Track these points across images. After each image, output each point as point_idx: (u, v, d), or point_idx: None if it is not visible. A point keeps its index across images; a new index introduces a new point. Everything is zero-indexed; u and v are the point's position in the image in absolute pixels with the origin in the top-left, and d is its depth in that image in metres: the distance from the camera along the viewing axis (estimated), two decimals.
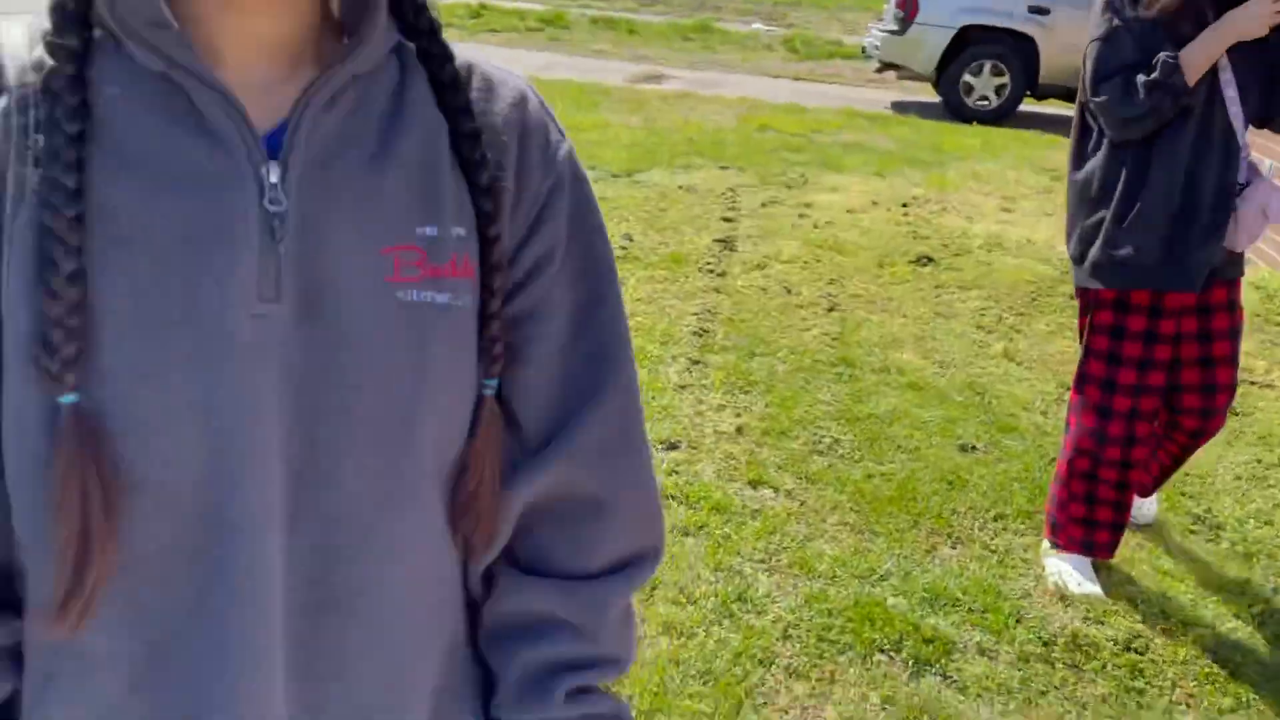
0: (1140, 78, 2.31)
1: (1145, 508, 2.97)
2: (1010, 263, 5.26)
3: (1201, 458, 3.42)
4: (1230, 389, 2.61)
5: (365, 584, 0.70)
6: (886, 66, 10.64)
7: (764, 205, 6.00)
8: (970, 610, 2.56)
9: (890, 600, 2.57)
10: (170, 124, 0.64)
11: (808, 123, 8.68)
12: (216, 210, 0.63)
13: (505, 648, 0.81)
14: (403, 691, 0.75)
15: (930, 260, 5.21)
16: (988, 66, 9.89)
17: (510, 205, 0.73)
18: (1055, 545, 2.71)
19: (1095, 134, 2.48)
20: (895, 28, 10.08)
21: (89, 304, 0.61)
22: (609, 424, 0.78)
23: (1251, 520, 3.08)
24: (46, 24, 0.63)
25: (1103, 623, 2.55)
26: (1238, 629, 2.58)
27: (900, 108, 10.48)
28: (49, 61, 0.62)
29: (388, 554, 0.71)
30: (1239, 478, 3.33)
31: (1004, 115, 9.75)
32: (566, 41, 13.52)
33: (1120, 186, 2.41)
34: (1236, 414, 3.82)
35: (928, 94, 10.79)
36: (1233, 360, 2.60)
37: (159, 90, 0.64)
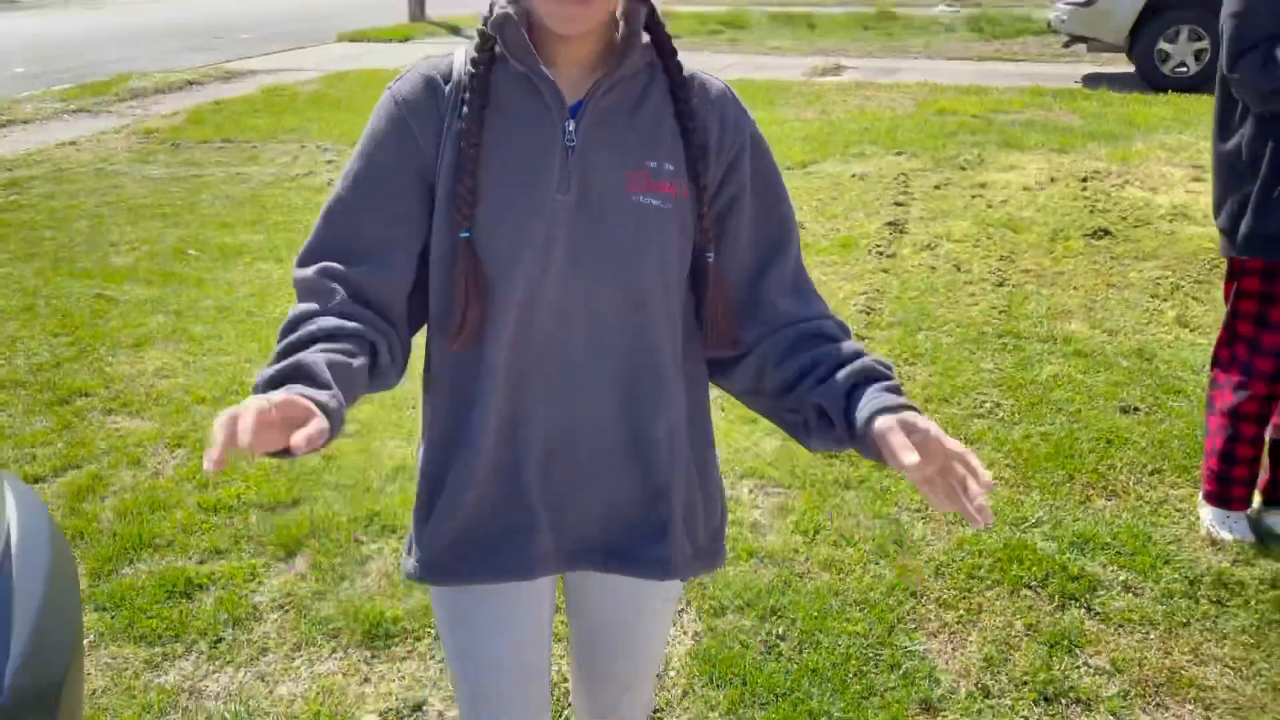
0: (1277, 51, 2.39)
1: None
2: (1195, 231, 5.20)
3: None
4: None
5: (614, 359, 1.25)
6: (1075, 40, 10.36)
7: (937, 187, 6.13)
8: (1119, 553, 2.73)
9: (1040, 544, 2.78)
10: (525, 97, 1.22)
11: (988, 104, 8.64)
12: (542, 140, 1.21)
13: (821, 373, 1.22)
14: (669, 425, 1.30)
15: (1107, 233, 5.23)
16: (1185, 31, 9.50)
17: (713, 155, 1.26)
18: (1204, 494, 2.83)
19: (1240, 105, 2.54)
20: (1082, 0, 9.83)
21: (478, 185, 1.19)
22: (788, 272, 1.31)
23: None
24: (473, 49, 1.23)
25: (1252, 564, 2.67)
26: None
27: (1092, 81, 10.19)
28: (471, 70, 1.21)
29: (627, 337, 1.25)
30: None
31: (1206, 81, 9.32)
32: (746, 41, 13.81)
33: (1268, 158, 2.48)
34: None
35: (1123, 65, 10.44)
36: None
37: (521, 80, 1.22)
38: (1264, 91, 2.42)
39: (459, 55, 1.26)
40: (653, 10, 1.24)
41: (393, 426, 3.40)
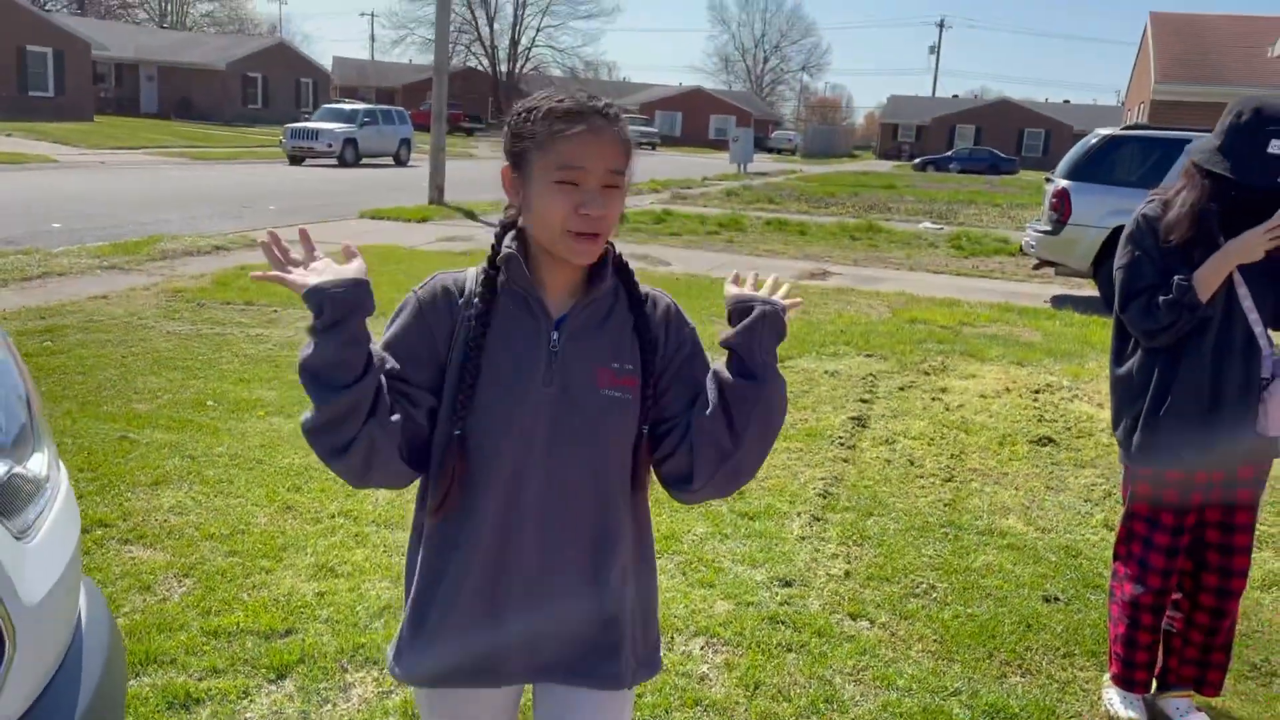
0: (1160, 298, 2.75)
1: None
2: None
3: (1274, 619, 3.76)
4: (1246, 553, 2.97)
5: (581, 516, 1.63)
6: (1043, 263, 11.19)
7: (901, 389, 6.65)
8: None
9: (956, 711, 3.08)
10: (519, 312, 1.61)
11: (958, 315, 9.31)
12: (532, 346, 1.60)
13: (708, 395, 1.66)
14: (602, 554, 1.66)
15: (1051, 441, 5.70)
16: (1120, 256, 10.27)
17: (660, 353, 1.67)
18: (1110, 676, 3.16)
19: (1132, 338, 2.96)
20: (1050, 228, 10.70)
21: (476, 390, 1.58)
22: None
23: None
24: (481, 275, 1.63)
25: None
26: None
27: (1060, 301, 10.94)
28: (480, 290, 1.61)
29: (591, 498, 1.63)
30: None
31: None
32: (740, 242, 14.74)
33: (1155, 382, 2.89)
34: None
35: (1091, 287, 11.21)
36: (1250, 529, 2.97)
37: (518, 301, 1.62)
38: (1149, 330, 2.82)
39: (471, 273, 1.67)
40: (616, 251, 1.69)
41: (382, 570, 3.74)
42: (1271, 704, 3.22)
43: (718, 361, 1.68)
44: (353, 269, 1.54)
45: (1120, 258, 2.92)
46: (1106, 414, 6.26)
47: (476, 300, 1.61)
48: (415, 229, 14.26)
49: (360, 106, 30.30)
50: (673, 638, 3.40)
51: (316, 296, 1.48)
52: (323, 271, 1.52)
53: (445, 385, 1.60)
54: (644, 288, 1.70)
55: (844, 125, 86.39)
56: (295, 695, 2.98)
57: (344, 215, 15.39)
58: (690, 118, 73.22)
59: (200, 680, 3.03)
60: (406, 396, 1.57)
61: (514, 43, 71.09)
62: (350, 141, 28.03)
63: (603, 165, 1.53)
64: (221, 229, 13.04)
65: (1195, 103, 20.32)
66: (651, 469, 1.70)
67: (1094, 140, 10.92)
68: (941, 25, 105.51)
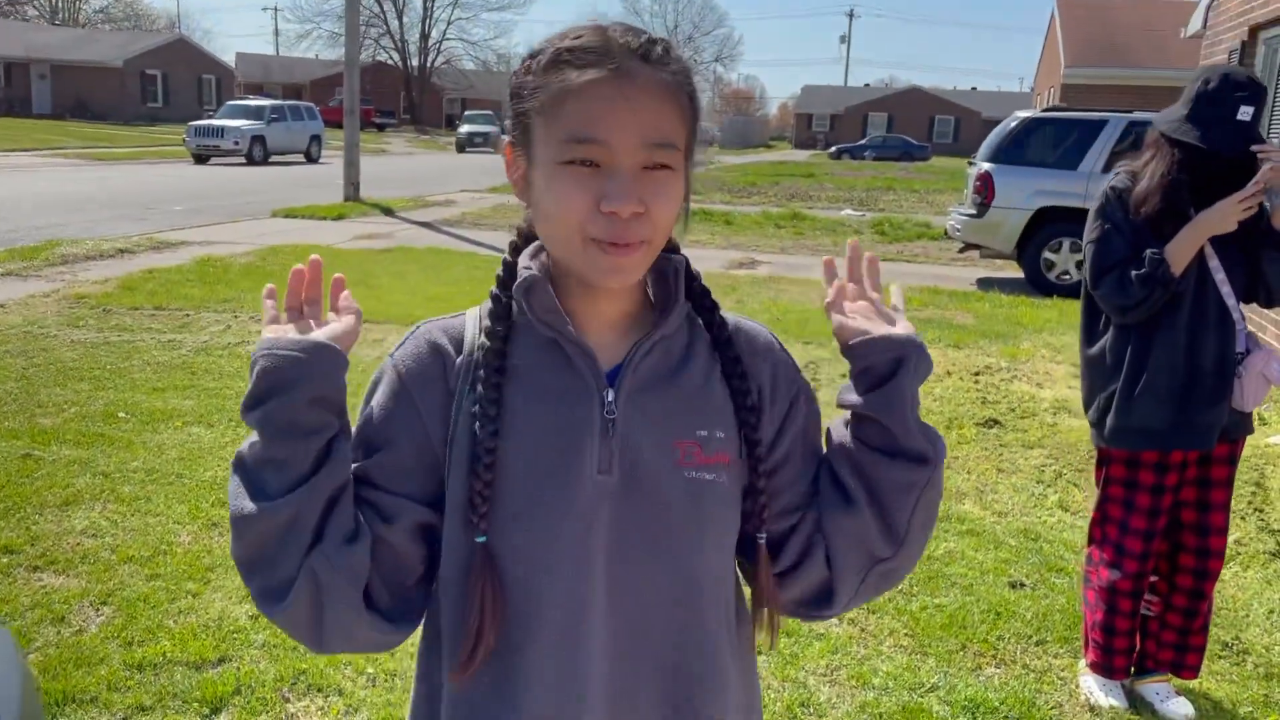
0: (1133, 272, 2.69)
1: (1175, 705, 3.01)
2: (1075, 424, 5.66)
3: (1239, 595, 3.74)
4: (1223, 532, 2.92)
5: (662, 659, 1.09)
6: (969, 246, 11.29)
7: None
8: (1006, 718, 2.94)
9: (936, 708, 2.97)
10: (553, 366, 1.07)
11: (890, 300, 9.28)
12: (578, 416, 1.06)
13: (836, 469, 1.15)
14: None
15: (997, 423, 5.66)
16: (1066, 243, 10.45)
17: (766, 415, 1.13)
18: (1088, 664, 3.08)
19: (1103, 315, 2.88)
20: (974, 211, 10.78)
21: (496, 479, 1.03)
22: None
23: (1277, 648, 3.38)
24: (486, 315, 1.10)
25: None
26: None
27: (984, 284, 11.03)
28: (487, 342, 1.07)
29: (672, 638, 1.09)
30: (1272, 612, 3.63)
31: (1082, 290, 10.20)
32: None
33: (1128, 360, 2.81)
34: None
35: (1013, 270, 11.34)
36: (1226, 507, 2.92)
37: (547, 347, 1.08)
38: (1121, 307, 2.75)
39: (470, 319, 1.13)
40: (687, 262, 1.14)
41: None
42: (1246, 682, 3.18)
43: (832, 423, 1.18)
44: (324, 331, 1.06)
45: (1090, 233, 2.84)
46: (1047, 393, 6.26)
47: (481, 352, 1.08)
48: (331, 227, 13.83)
49: (268, 103, 29.38)
50: None
51: (254, 358, 1.04)
52: (286, 327, 1.07)
53: (449, 484, 1.08)
54: (730, 316, 1.17)
55: (759, 116, 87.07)
56: None
57: (255, 214, 14.85)
58: None
59: (126, 719, 2.76)
60: (378, 511, 1.07)
61: (424, 36, 69.88)
62: (258, 139, 27.17)
63: (635, 135, 0.99)
64: (125, 231, 12.44)
65: (1105, 86, 20.86)
66: (764, 588, 1.15)
67: (1013, 123, 11.03)
68: (851, 15, 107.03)
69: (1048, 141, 10.79)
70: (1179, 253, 2.68)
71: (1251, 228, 2.72)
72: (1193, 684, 3.12)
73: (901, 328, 1.14)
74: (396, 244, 12.12)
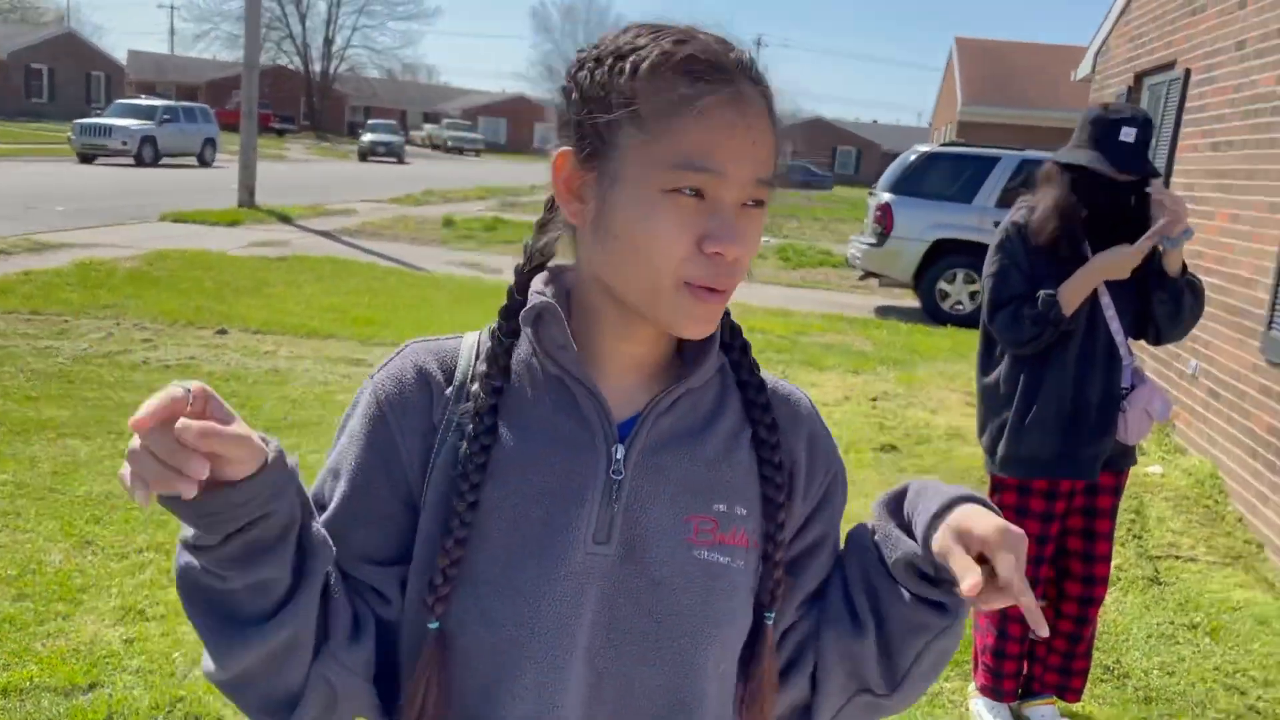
0: (1026, 310, 2.76)
1: None
2: (968, 451, 5.81)
3: (1119, 619, 3.86)
4: (1107, 560, 3.01)
5: None
6: (868, 274, 11.55)
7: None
8: None
9: None
10: (556, 409, 0.92)
11: (793, 326, 9.43)
12: (575, 471, 0.90)
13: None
14: None
15: (893, 448, 5.77)
16: (960, 274, 10.78)
17: (800, 493, 0.98)
18: (977, 687, 3.13)
19: (998, 346, 2.95)
20: (874, 240, 11.03)
21: (471, 535, 0.87)
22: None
23: (1155, 671, 3.50)
24: (487, 339, 0.96)
25: None
26: None
27: (883, 311, 11.29)
28: (487, 368, 0.92)
29: None
30: (1150, 636, 3.75)
31: (979, 317, 10.54)
32: None
33: (1019, 392, 2.88)
34: (1160, 583, 4.27)
35: (910, 299, 11.64)
36: (1110, 536, 3.00)
37: (552, 386, 0.92)
38: (1015, 341, 2.82)
39: (467, 345, 0.98)
40: (726, 312, 0.97)
41: None
42: (1127, 705, 3.27)
43: (854, 530, 1.04)
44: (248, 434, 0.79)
45: (989, 266, 2.91)
46: (941, 420, 6.42)
47: (477, 385, 0.93)
48: (225, 233, 13.38)
49: (160, 103, 28.36)
50: None
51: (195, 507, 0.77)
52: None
53: (418, 536, 0.93)
54: (766, 376, 1.01)
55: None
56: None
57: (143, 217, 14.28)
58: (515, 125, 72.72)
59: None
60: (375, 589, 0.94)
61: (328, 41, 68.58)
62: (149, 139, 26.18)
63: (750, 168, 0.86)
64: (0, 232, 11.83)
65: (999, 124, 21.70)
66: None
67: (913, 156, 11.34)
68: (759, 43, 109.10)
69: (945, 175, 11.12)
70: (1071, 295, 2.75)
71: (1144, 269, 2.80)
72: (1076, 706, 3.20)
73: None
74: (293, 252, 11.79)
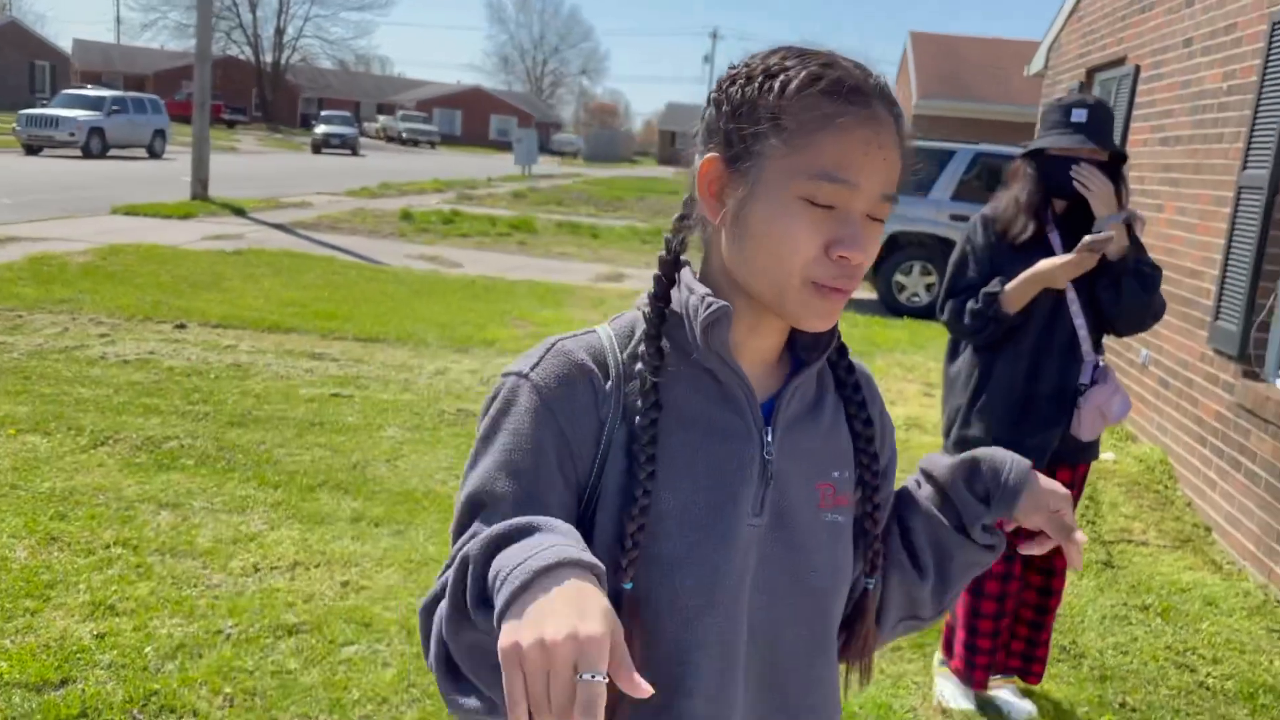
0: (970, 303, 2.81)
1: (1020, 706, 3.15)
2: (926, 440, 5.92)
3: (1075, 602, 3.98)
4: (1043, 572, 3.07)
5: (796, 701, 1.06)
6: None
7: None
8: None
9: None
10: (709, 399, 1.01)
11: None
12: (736, 455, 1.01)
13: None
14: None
15: None
16: (917, 267, 10.94)
17: (880, 455, 1.13)
18: (944, 662, 3.20)
19: None
20: None
21: (650, 513, 0.96)
22: None
23: (1110, 650, 3.61)
24: (637, 335, 1.02)
25: None
26: None
27: None
28: (643, 370, 0.99)
29: (806, 684, 1.07)
30: (1105, 618, 3.88)
31: (935, 310, 10.71)
32: (533, 245, 14.56)
33: (975, 378, 2.96)
34: (1113, 566, 4.40)
35: (867, 290, 11.78)
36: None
37: (704, 377, 1.02)
38: (958, 331, 2.91)
39: (604, 336, 1.04)
40: None
41: (171, 605, 3.32)
42: (1083, 684, 3.38)
43: (907, 484, 1.20)
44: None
45: (955, 252, 2.97)
46: (899, 410, 6.53)
47: (637, 380, 1.00)
48: (178, 226, 13.19)
49: (108, 93, 27.82)
50: None
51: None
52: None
53: (598, 523, 0.98)
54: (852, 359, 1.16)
55: (623, 131, 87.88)
56: None
57: (93, 210, 14.03)
58: (470, 117, 72.19)
59: None
60: None
61: (279, 31, 67.55)
62: (96, 131, 25.69)
63: (880, 184, 0.96)
64: None
65: (953, 118, 21.95)
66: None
67: None
68: (715, 36, 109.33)
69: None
70: (1014, 296, 2.80)
71: (1105, 262, 2.80)
72: (1035, 686, 3.30)
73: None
74: (249, 245, 11.66)
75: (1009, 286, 2.79)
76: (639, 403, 0.98)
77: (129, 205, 14.47)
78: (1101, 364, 2.94)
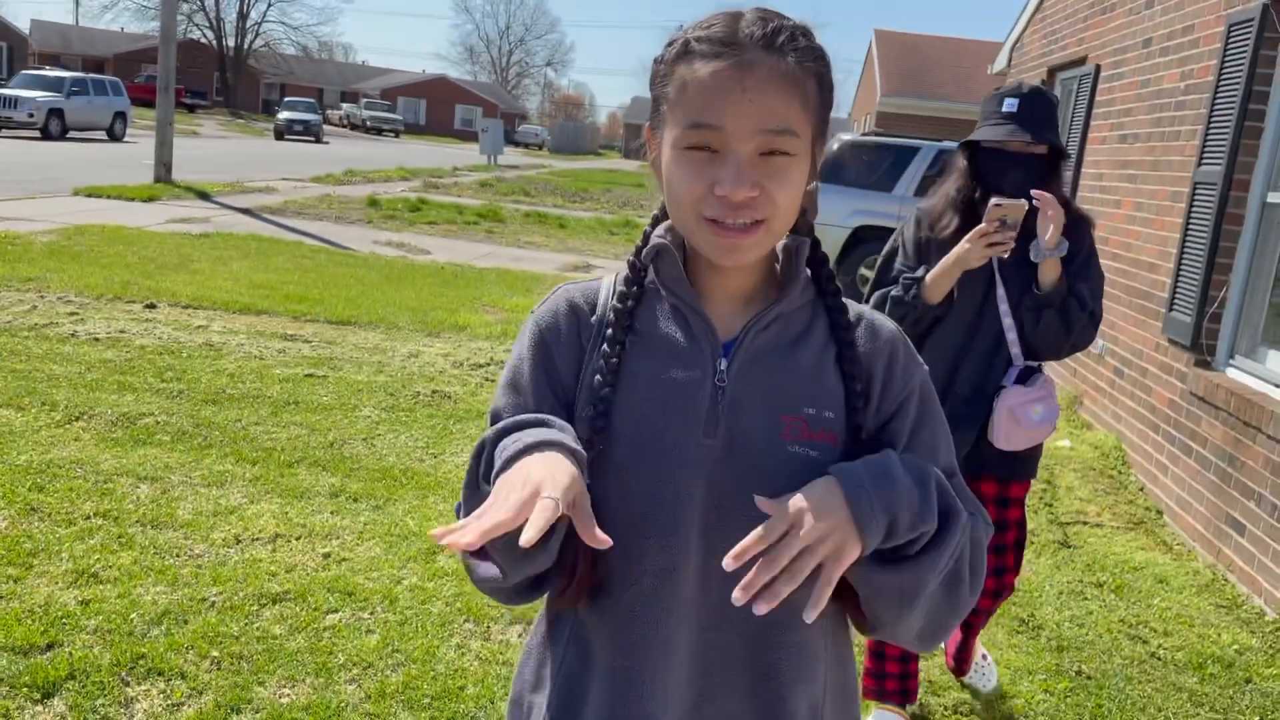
0: (893, 291, 2.68)
1: (986, 674, 3.17)
2: None
3: (1033, 578, 4.13)
4: (994, 574, 2.89)
5: (750, 629, 1.11)
6: None
7: None
8: None
9: None
10: (674, 331, 1.14)
11: None
12: (690, 379, 1.11)
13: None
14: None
15: None
16: (886, 246, 11.09)
17: (874, 405, 1.14)
18: (864, 690, 3.00)
19: None
20: None
21: (610, 427, 1.10)
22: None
23: (1066, 623, 3.77)
24: (620, 280, 1.18)
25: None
26: (1045, 700, 3.22)
27: None
28: (618, 303, 1.15)
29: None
30: (1061, 593, 4.03)
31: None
32: (501, 233, 14.58)
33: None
34: (1069, 546, 4.57)
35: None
36: (998, 550, 2.87)
37: (671, 314, 1.15)
38: None
39: (605, 283, 1.21)
40: (816, 245, 1.19)
41: (155, 573, 3.36)
42: (1040, 654, 3.52)
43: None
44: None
45: (884, 248, 2.89)
46: None
47: (612, 312, 1.15)
48: (142, 209, 13.06)
49: (68, 74, 27.38)
50: None
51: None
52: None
53: (576, 426, 1.12)
54: (856, 306, 1.21)
55: (589, 123, 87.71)
56: (68, 715, 2.61)
57: (54, 192, 13.85)
58: (435, 106, 71.74)
59: None
60: None
61: (242, 16, 66.69)
62: (56, 112, 25.30)
63: (751, 122, 1.03)
64: None
65: (916, 115, 22.26)
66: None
67: (835, 145, 11.62)
68: (680, 29, 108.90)
69: (866, 164, 11.42)
70: (934, 284, 2.66)
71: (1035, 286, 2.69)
72: (995, 654, 3.44)
73: None
74: (215, 229, 11.59)
75: (930, 274, 2.67)
76: (610, 331, 1.14)
77: (91, 187, 14.29)
78: (1037, 370, 2.80)
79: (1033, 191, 2.62)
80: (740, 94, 1.02)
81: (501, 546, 1.00)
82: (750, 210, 1.04)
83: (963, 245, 2.61)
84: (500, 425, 1.07)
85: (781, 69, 1.04)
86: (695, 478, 1.09)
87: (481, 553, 1.04)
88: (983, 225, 2.58)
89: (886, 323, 1.20)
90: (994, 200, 2.57)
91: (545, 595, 1.15)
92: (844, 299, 1.19)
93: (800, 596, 1.01)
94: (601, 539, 0.93)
